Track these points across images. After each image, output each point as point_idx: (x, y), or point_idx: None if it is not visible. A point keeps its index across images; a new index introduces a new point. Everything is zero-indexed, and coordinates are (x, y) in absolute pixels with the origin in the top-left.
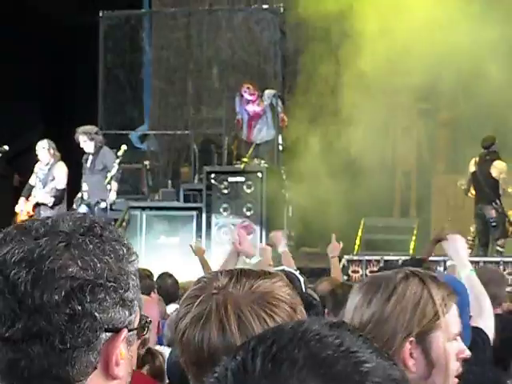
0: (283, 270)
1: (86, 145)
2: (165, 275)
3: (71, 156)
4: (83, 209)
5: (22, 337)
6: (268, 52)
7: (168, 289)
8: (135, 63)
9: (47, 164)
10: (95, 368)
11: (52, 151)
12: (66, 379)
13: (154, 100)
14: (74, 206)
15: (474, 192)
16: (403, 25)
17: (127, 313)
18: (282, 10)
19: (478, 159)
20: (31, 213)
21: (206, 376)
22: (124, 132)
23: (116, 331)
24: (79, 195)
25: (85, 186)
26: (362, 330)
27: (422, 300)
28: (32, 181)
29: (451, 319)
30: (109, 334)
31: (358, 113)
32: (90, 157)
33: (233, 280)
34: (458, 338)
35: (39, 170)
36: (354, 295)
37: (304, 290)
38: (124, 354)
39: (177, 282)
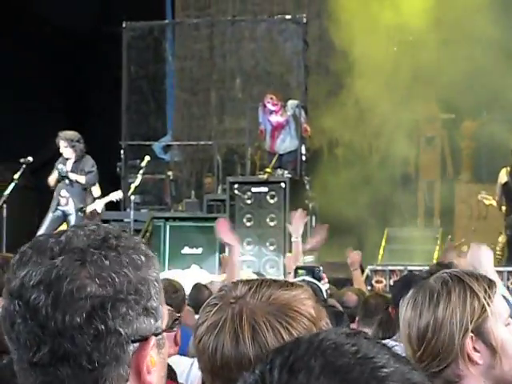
0: (303, 281)
1: (66, 151)
2: (200, 286)
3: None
4: (58, 214)
5: (49, 361)
6: (291, 62)
7: (205, 300)
8: (158, 74)
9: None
10: (127, 380)
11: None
12: None
13: (178, 111)
14: (50, 213)
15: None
16: (428, 36)
17: (152, 321)
18: (304, 20)
19: (509, 169)
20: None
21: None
22: (147, 143)
23: (144, 340)
24: (55, 202)
25: (64, 193)
26: (422, 342)
27: (468, 298)
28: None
29: (498, 306)
30: (136, 345)
31: (380, 122)
32: (70, 163)
33: (252, 290)
34: (511, 320)
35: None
36: (404, 311)
37: (326, 298)
38: (154, 360)
39: (211, 293)
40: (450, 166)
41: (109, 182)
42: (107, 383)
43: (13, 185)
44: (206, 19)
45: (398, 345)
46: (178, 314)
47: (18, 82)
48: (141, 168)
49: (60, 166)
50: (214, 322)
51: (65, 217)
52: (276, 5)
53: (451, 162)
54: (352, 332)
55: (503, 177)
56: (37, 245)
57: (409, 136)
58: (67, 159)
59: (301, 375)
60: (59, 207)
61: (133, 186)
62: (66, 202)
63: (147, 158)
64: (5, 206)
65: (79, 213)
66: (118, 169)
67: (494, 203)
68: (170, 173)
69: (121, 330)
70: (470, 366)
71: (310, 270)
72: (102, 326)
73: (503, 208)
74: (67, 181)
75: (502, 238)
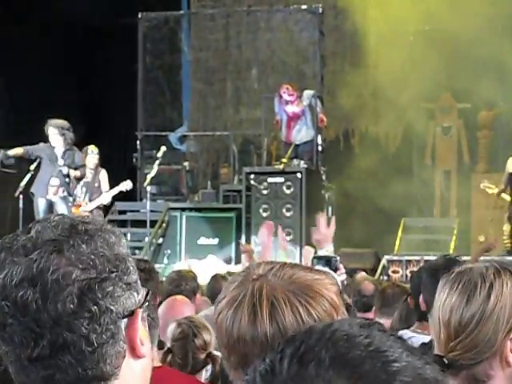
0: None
1: (55, 138)
2: (219, 277)
3: (111, 157)
4: (48, 202)
5: (49, 353)
6: (307, 52)
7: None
8: (174, 65)
9: (92, 169)
10: (124, 356)
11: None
12: (102, 376)
13: (193, 101)
14: (42, 199)
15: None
16: (444, 26)
17: (135, 294)
18: (320, 10)
19: None
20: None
21: (231, 359)
22: (163, 133)
23: (131, 314)
24: (41, 187)
25: (54, 181)
26: (462, 331)
27: None
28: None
29: None
30: (126, 320)
31: (397, 112)
32: (59, 152)
33: (274, 269)
34: None
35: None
36: (445, 295)
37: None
38: (144, 332)
39: None
40: (467, 156)
41: (125, 172)
42: (108, 362)
43: (29, 176)
44: (221, 9)
45: (414, 336)
46: (147, 289)
47: (33, 73)
48: (157, 158)
49: (64, 170)
50: (233, 297)
51: (51, 205)
52: None
53: (468, 151)
54: (366, 323)
55: (511, 166)
56: (7, 246)
57: (425, 126)
58: (53, 147)
59: (310, 366)
60: (47, 197)
61: (149, 177)
62: (55, 191)
63: (163, 148)
64: (21, 196)
65: (68, 202)
66: (134, 159)
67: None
68: (186, 163)
69: (112, 307)
70: (503, 368)
71: (327, 260)
72: (95, 307)
73: (506, 197)
74: (62, 172)
75: (506, 227)
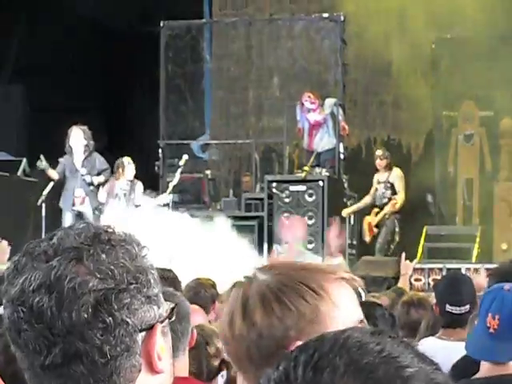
0: None
1: (79, 141)
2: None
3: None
4: (75, 214)
5: (61, 361)
6: (329, 60)
7: None
8: (196, 73)
9: (131, 180)
10: (139, 370)
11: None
12: None
13: (215, 109)
14: (67, 212)
15: None
16: (466, 34)
17: (155, 308)
18: (342, 18)
19: None
20: None
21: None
22: (185, 142)
23: (150, 328)
24: (67, 200)
25: (79, 192)
26: None
27: None
28: (102, 197)
29: None
30: (144, 334)
31: (419, 120)
32: (79, 160)
33: (265, 269)
34: None
35: (119, 186)
36: None
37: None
38: (163, 347)
39: None
40: (489, 164)
41: (147, 181)
42: (121, 375)
43: (51, 184)
44: (243, 18)
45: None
46: (174, 304)
47: (55, 80)
48: (179, 167)
49: (87, 178)
50: (230, 298)
51: (81, 217)
52: (313, 3)
53: (490, 159)
54: (376, 330)
55: None
56: (29, 251)
57: (447, 134)
58: (71, 158)
59: (325, 373)
60: (74, 207)
61: (171, 185)
62: (81, 201)
63: (185, 156)
64: (43, 205)
65: (96, 211)
66: (156, 168)
67: None
68: (208, 172)
69: (128, 319)
70: None
71: None
72: (110, 318)
73: None
74: (86, 181)
75: None
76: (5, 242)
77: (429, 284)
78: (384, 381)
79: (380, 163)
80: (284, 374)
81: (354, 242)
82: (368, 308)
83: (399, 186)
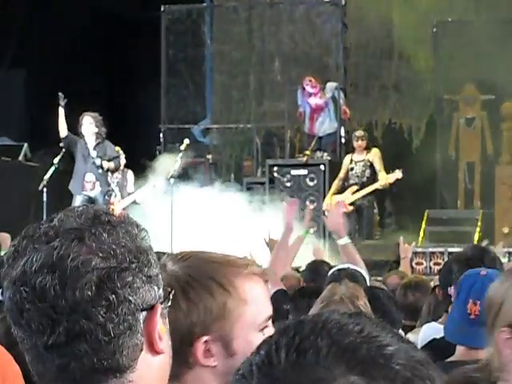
0: (348, 269)
1: (90, 128)
2: None
3: (135, 151)
4: (85, 198)
5: (65, 340)
6: (330, 44)
7: None
8: (197, 57)
9: (121, 169)
10: (141, 349)
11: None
12: (118, 368)
13: (217, 94)
14: (77, 196)
15: None
16: (467, 17)
17: (156, 288)
18: (343, 2)
19: None
20: None
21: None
22: (186, 126)
23: (151, 308)
24: (78, 184)
25: (89, 177)
26: None
27: None
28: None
29: None
30: (145, 313)
31: (420, 104)
32: (91, 145)
33: (183, 260)
34: None
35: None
36: None
37: (368, 283)
38: (163, 327)
39: None
40: (490, 148)
41: (148, 165)
42: (124, 353)
43: (53, 169)
44: (244, 2)
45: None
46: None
47: (55, 66)
48: (180, 151)
49: (97, 161)
50: None
51: (91, 201)
52: None
53: (491, 143)
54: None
55: None
56: (30, 233)
57: (448, 117)
58: (85, 142)
59: (309, 355)
60: (84, 192)
61: (172, 170)
62: (92, 186)
63: (186, 141)
64: (45, 190)
65: (106, 196)
66: (157, 152)
67: None
68: (209, 156)
69: (130, 298)
70: None
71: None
72: (113, 296)
73: None
74: (95, 164)
75: None
76: (6, 234)
77: (430, 268)
78: (367, 359)
79: (361, 144)
80: (266, 357)
81: (357, 227)
82: (372, 292)
83: (380, 165)
